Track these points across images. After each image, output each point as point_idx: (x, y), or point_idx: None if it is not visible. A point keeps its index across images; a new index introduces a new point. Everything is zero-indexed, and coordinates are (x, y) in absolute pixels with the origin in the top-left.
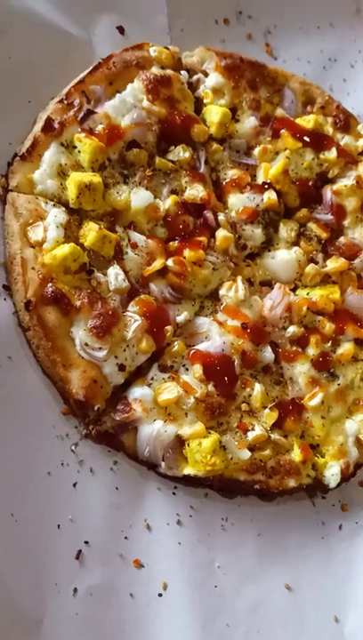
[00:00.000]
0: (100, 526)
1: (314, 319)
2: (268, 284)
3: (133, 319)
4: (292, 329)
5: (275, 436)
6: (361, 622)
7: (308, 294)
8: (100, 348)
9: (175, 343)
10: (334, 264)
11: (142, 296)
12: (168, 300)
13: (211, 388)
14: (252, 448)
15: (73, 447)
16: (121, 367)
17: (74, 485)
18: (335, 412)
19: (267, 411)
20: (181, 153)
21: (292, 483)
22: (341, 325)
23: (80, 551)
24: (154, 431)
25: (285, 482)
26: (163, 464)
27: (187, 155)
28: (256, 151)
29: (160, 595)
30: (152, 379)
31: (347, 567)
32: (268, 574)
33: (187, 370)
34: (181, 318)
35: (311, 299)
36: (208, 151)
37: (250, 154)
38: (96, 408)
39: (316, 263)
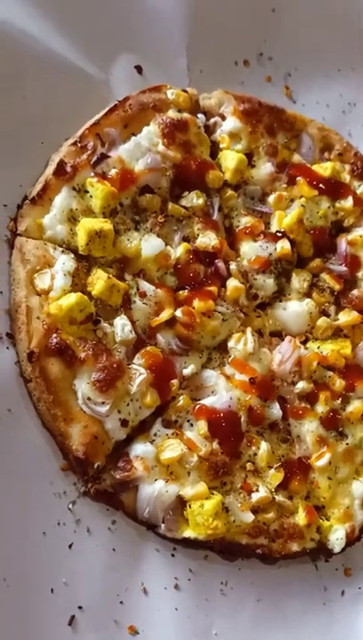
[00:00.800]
0: (96, 590)
1: (324, 374)
2: (278, 334)
3: (139, 372)
4: (301, 384)
5: (280, 497)
6: None
7: (319, 348)
8: (102, 403)
9: (181, 397)
10: (347, 317)
11: (149, 348)
12: (175, 351)
13: (215, 445)
14: (255, 510)
15: (70, 505)
16: (124, 422)
17: (70, 546)
18: (343, 472)
19: (272, 471)
20: (194, 199)
21: (295, 547)
22: (351, 382)
23: (73, 617)
24: (155, 491)
25: (288, 546)
26: (163, 526)
27: (201, 201)
28: (271, 198)
29: None
30: (155, 434)
31: (348, 634)
32: None
33: (191, 425)
34: (187, 371)
35: (322, 353)
36: (222, 197)
37: (265, 201)
38: (96, 466)
39: (328, 316)
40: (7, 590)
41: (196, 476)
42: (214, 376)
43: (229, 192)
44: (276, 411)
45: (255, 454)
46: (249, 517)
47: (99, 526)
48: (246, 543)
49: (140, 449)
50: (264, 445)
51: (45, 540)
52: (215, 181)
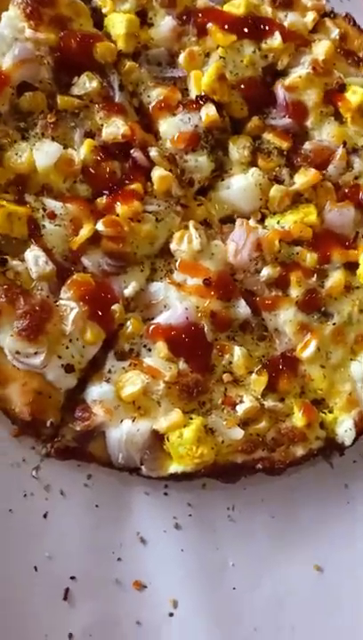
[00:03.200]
0: (86, 554)
1: (291, 252)
2: (230, 219)
3: (69, 307)
4: (266, 270)
5: (269, 402)
6: None
7: (279, 223)
8: (35, 353)
9: (128, 322)
10: (304, 178)
11: (75, 276)
12: (108, 272)
13: (182, 365)
14: (245, 423)
15: (34, 472)
16: (68, 368)
17: (44, 516)
18: (336, 356)
19: (254, 376)
20: (87, 83)
21: (300, 451)
22: (324, 252)
23: (67, 589)
24: (123, 434)
25: (291, 452)
26: (143, 467)
27: (95, 84)
28: (181, 58)
29: (171, 614)
30: (110, 371)
31: None
32: (291, 560)
33: (149, 351)
34: (129, 291)
35: (283, 228)
36: (121, 72)
37: (174, 63)
38: (49, 423)
39: (281, 182)
40: None
41: (168, 403)
42: (163, 288)
43: (128, 64)
44: (242, 309)
45: (230, 363)
46: (239, 433)
47: (73, 485)
48: (243, 461)
49: (95, 392)
50: (238, 350)
51: (14, 516)
52: (107, 55)
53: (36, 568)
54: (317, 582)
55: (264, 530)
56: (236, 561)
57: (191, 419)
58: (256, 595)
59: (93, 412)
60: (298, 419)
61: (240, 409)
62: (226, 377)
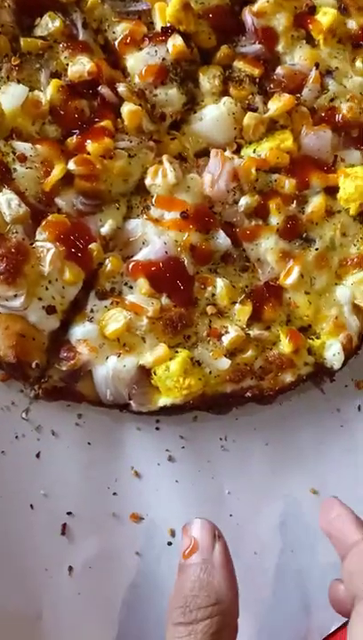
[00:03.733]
0: (81, 491)
1: (269, 180)
2: (205, 152)
3: (46, 248)
4: (244, 200)
5: (254, 331)
6: None
7: (255, 151)
8: (15, 296)
9: (107, 261)
10: (278, 103)
11: (50, 217)
12: (83, 211)
13: (165, 300)
14: (232, 354)
15: (24, 414)
16: (50, 309)
17: (37, 456)
18: (320, 282)
19: (238, 306)
20: (49, 23)
21: (289, 378)
22: (303, 177)
23: (65, 525)
24: (110, 370)
25: (280, 379)
26: (132, 403)
27: (57, 23)
28: None
29: (169, 543)
30: (92, 311)
31: None
32: (287, 485)
33: (131, 288)
34: (106, 229)
35: (259, 156)
36: (84, 10)
37: None
38: (35, 364)
39: (255, 110)
40: None
41: (153, 339)
42: (140, 224)
43: (90, 0)
44: (222, 240)
45: (214, 295)
46: (225, 363)
47: (64, 425)
48: (232, 391)
49: (79, 331)
50: (220, 282)
51: (7, 458)
52: None
53: (32, 506)
54: (313, 505)
55: (259, 457)
56: (232, 489)
57: (177, 352)
58: (254, 520)
59: (78, 352)
60: (285, 345)
61: (226, 339)
62: (210, 309)
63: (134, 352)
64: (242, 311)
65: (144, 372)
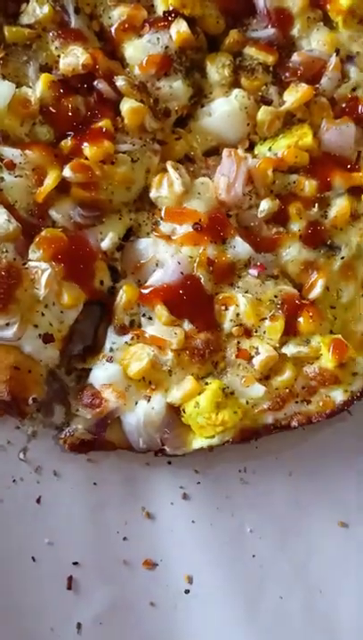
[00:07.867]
0: (88, 537)
1: (287, 182)
2: (214, 151)
3: (40, 269)
4: (265, 205)
5: (290, 349)
6: None
7: (270, 150)
8: (6, 325)
9: (121, 291)
10: (295, 95)
11: (44, 232)
12: (82, 224)
13: (187, 325)
14: (267, 377)
15: (21, 455)
16: (47, 338)
17: (38, 501)
18: (347, 294)
19: (268, 323)
20: (37, 9)
21: (340, 397)
22: (325, 177)
23: (70, 577)
24: (141, 418)
25: (330, 400)
26: (166, 448)
27: (46, 9)
28: None
29: (187, 591)
30: (111, 349)
31: None
32: (313, 518)
33: (150, 319)
34: (107, 243)
35: (276, 155)
36: None
37: None
38: (32, 399)
39: (269, 103)
40: None
41: (180, 372)
42: (150, 244)
43: None
44: (240, 247)
45: (238, 315)
46: (259, 390)
47: (66, 463)
48: (275, 420)
49: (101, 375)
50: (243, 299)
51: (4, 506)
52: None
53: (34, 558)
54: (343, 539)
55: (282, 489)
56: (253, 526)
57: (207, 383)
58: (279, 560)
59: (104, 398)
60: (328, 360)
61: (256, 362)
62: (236, 330)
63: (161, 389)
64: (272, 328)
65: (174, 411)
